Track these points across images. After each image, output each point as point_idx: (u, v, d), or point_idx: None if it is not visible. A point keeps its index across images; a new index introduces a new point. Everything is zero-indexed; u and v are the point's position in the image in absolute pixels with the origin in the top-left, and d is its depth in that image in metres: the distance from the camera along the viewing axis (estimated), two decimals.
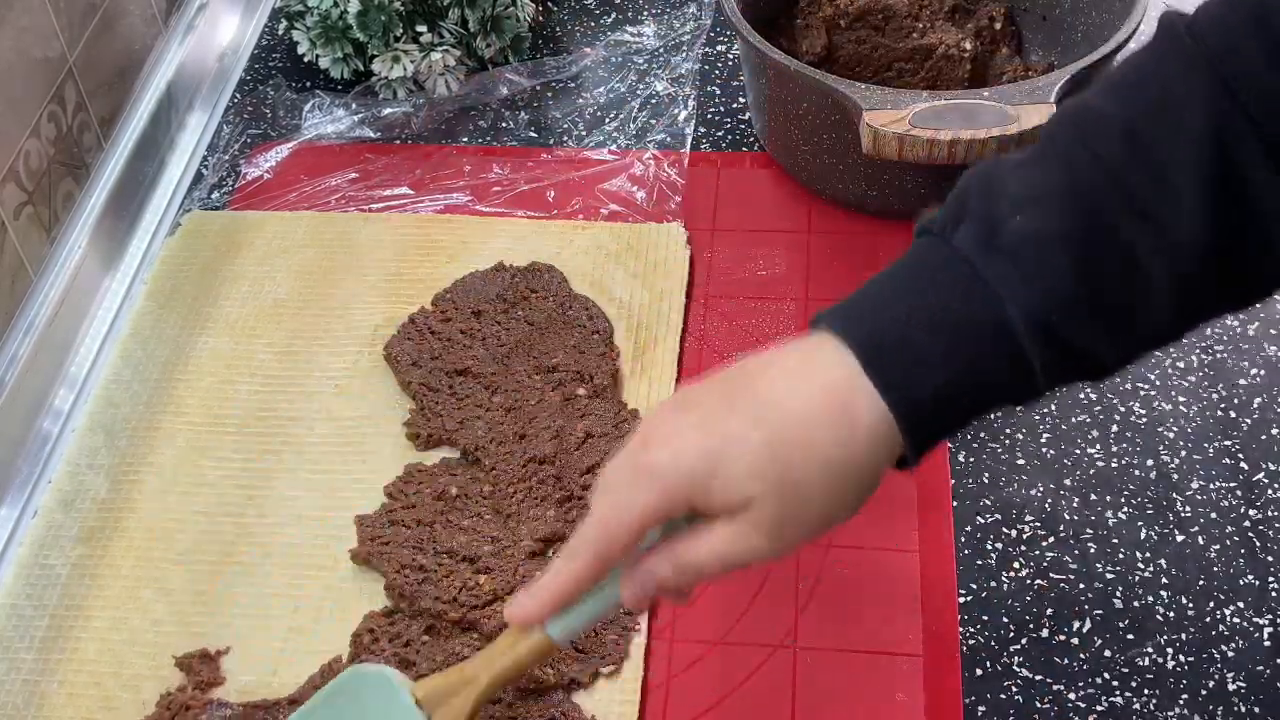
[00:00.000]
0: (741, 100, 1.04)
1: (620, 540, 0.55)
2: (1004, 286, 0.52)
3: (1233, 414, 0.81)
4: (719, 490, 0.53)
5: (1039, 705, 0.69)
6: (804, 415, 0.53)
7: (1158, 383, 0.83)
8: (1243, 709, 0.68)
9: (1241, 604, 0.72)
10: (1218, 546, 0.75)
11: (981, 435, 0.81)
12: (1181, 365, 0.84)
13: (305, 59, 1.06)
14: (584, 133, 1.03)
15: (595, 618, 0.59)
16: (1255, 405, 0.81)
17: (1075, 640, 0.71)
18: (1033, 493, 0.78)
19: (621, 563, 0.57)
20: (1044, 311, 0.52)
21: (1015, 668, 0.70)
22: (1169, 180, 0.52)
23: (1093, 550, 0.75)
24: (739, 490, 0.53)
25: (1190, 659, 0.70)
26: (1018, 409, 0.58)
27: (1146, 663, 0.70)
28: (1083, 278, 0.52)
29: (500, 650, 0.61)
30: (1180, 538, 0.75)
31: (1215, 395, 0.82)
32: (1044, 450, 0.80)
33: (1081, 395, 0.82)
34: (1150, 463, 0.79)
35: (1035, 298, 0.52)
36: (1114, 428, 0.81)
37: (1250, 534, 0.75)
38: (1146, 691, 0.69)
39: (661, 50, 1.09)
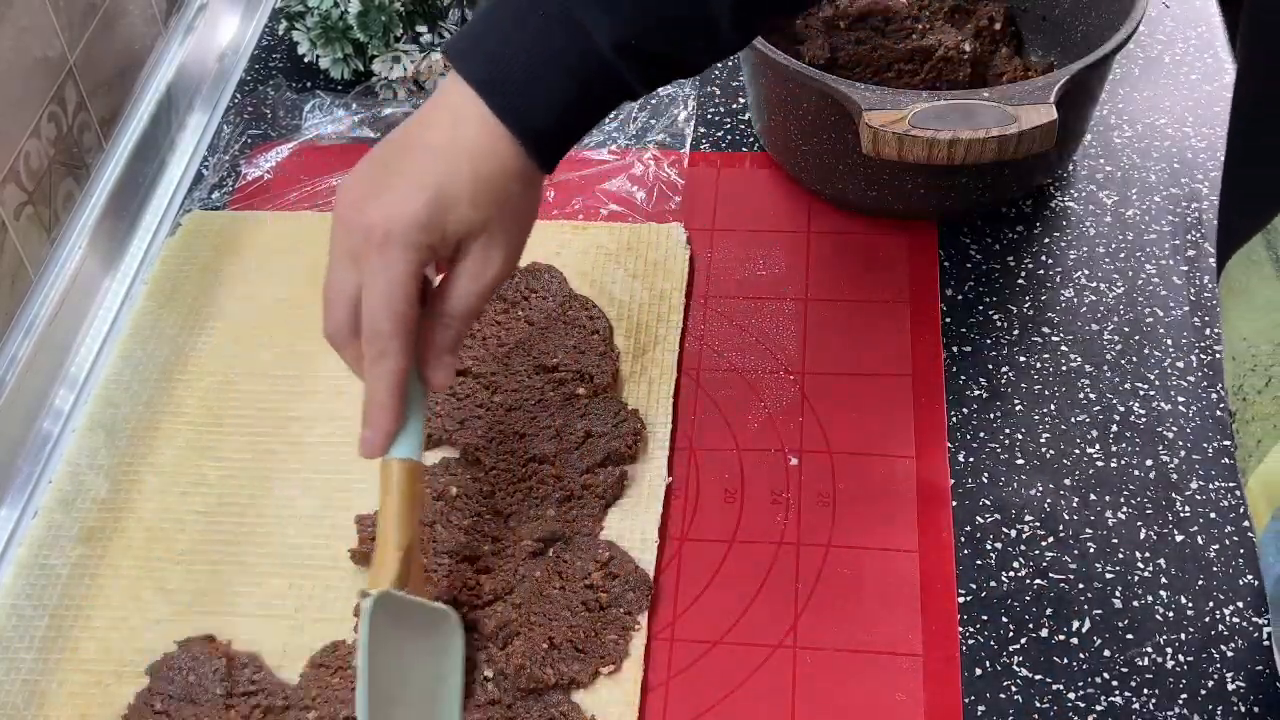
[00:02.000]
0: (741, 100, 1.04)
1: (409, 310, 0.64)
2: (589, 19, 0.62)
3: None
4: (452, 224, 0.64)
5: (1039, 705, 0.69)
6: (414, 127, 0.66)
7: (1158, 383, 0.83)
8: (1242, 709, 0.68)
9: (1241, 604, 0.72)
10: (1217, 546, 0.75)
11: (981, 435, 0.81)
12: (1181, 365, 0.84)
13: (305, 59, 1.07)
14: None
15: (423, 420, 0.67)
16: None
17: (1075, 640, 0.71)
18: (1033, 493, 0.78)
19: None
20: (625, 37, 0.63)
21: (1015, 668, 0.70)
22: None
23: (1093, 550, 0.75)
24: (468, 221, 0.64)
25: (1190, 659, 0.70)
26: None
27: (1146, 663, 0.70)
28: (650, 6, 0.63)
29: (383, 506, 0.67)
30: (1180, 538, 0.75)
31: (1215, 395, 0.82)
32: (1044, 450, 0.80)
33: (1081, 395, 0.82)
34: (1150, 463, 0.79)
35: (617, 27, 0.63)
36: (1114, 428, 0.81)
37: (1250, 534, 0.75)
38: (1146, 691, 0.69)
39: None
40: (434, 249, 0.64)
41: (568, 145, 0.67)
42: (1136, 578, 0.74)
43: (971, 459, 0.80)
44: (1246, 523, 0.76)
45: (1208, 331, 0.85)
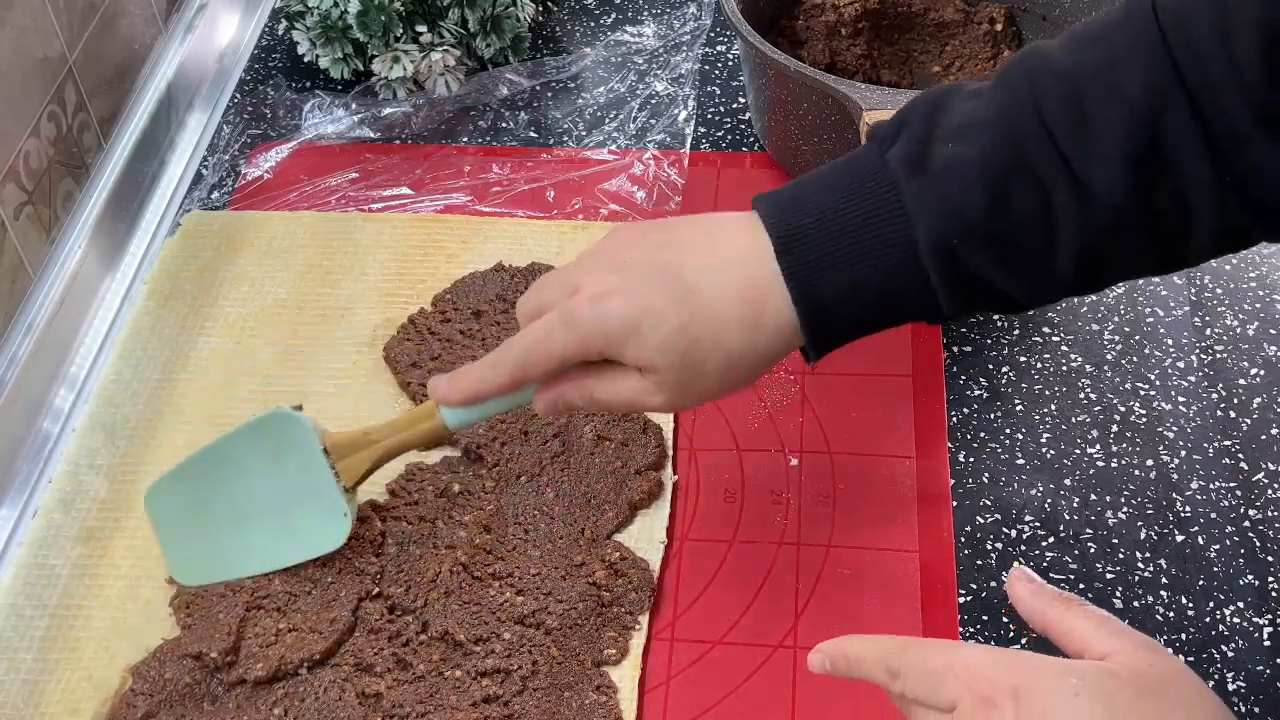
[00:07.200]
0: (741, 100, 1.04)
1: (537, 370, 0.64)
2: (918, 207, 0.57)
3: (1232, 414, 0.81)
4: (631, 353, 0.61)
5: None
6: (719, 308, 0.60)
7: (1158, 383, 0.83)
8: (1243, 709, 0.68)
9: (1241, 604, 0.72)
10: (1218, 546, 0.75)
11: (981, 435, 0.81)
12: (1181, 365, 0.84)
13: (305, 59, 1.07)
14: (584, 133, 1.03)
15: (492, 415, 0.70)
16: (1255, 405, 0.81)
17: None
18: (1033, 493, 0.78)
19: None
20: (948, 235, 0.57)
21: None
22: (1095, 135, 0.54)
23: (1093, 550, 0.75)
24: (648, 359, 0.61)
25: (1190, 659, 0.70)
26: (928, 322, 0.63)
27: None
28: (993, 209, 0.56)
29: (404, 423, 0.72)
30: (1180, 538, 0.75)
31: (1215, 395, 0.82)
32: (1044, 450, 0.80)
33: (1081, 395, 0.82)
34: (1150, 463, 0.79)
35: (943, 221, 0.57)
36: (1114, 428, 0.81)
37: (1250, 534, 0.75)
38: None
39: (661, 50, 1.09)
40: (605, 354, 0.62)
41: (836, 337, 0.62)
42: (1136, 578, 0.74)
43: (972, 459, 0.80)
44: (1247, 523, 0.76)
45: (1208, 331, 0.85)
